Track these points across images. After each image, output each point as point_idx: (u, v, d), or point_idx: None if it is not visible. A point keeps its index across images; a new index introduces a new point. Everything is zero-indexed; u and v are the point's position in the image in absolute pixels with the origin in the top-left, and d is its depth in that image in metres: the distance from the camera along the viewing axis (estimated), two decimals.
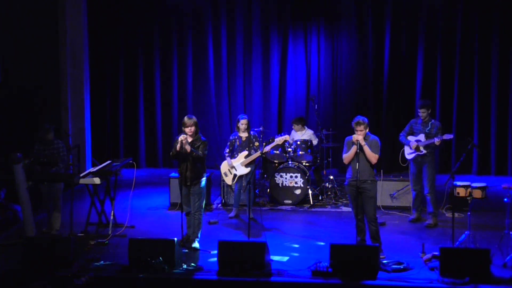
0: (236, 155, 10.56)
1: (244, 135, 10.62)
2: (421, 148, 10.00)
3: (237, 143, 10.61)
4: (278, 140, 10.59)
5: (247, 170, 10.46)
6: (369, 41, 13.85)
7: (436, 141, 9.82)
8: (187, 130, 8.86)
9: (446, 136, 9.86)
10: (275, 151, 11.48)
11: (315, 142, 11.83)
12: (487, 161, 13.61)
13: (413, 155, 10.13)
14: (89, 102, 13.88)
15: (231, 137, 10.71)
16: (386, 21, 13.75)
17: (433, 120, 10.16)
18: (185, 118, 8.95)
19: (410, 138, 10.17)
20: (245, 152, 10.50)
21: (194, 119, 8.94)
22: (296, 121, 12.05)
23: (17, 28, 12.88)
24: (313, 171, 11.86)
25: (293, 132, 12.07)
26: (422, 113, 10.07)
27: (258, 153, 10.37)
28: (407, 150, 10.22)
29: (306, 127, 12.07)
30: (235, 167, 10.51)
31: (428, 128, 10.05)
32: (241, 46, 14.31)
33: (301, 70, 14.25)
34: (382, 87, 13.90)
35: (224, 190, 11.35)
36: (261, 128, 11.80)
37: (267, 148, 10.55)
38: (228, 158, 10.58)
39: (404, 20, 13.77)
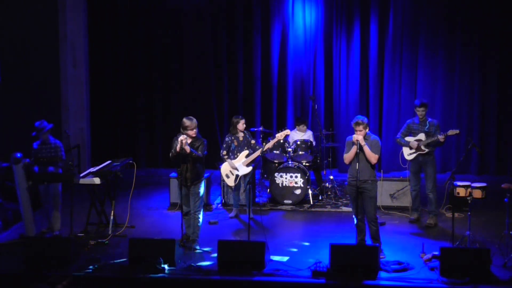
0: (234, 156, 10.55)
1: (240, 135, 10.61)
2: (423, 147, 10.00)
3: (234, 143, 10.59)
4: (279, 135, 10.49)
5: (249, 169, 10.45)
6: (369, 41, 13.83)
7: (441, 137, 9.81)
8: (191, 133, 8.79)
9: (451, 132, 9.85)
10: (275, 151, 11.47)
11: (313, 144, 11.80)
12: (487, 161, 13.60)
13: (413, 155, 10.11)
14: (89, 102, 13.86)
15: (226, 139, 10.67)
16: (388, 22, 13.74)
17: (430, 119, 10.16)
18: (186, 120, 8.85)
19: (408, 138, 10.16)
20: (246, 152, 10.49)
21: (195, 120, 8.91)
22: (300, 122, 11.99)
23: (17, 28, 12.87)
24: (313, 171, 11.85)
25: (293, 132, 12.06)
26: (421, 112, 10.06)
27: (259, 151, 10.35)
28: (406, 151, 10.21)
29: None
30: (237, 167, 10.49)
31: (427, 127, 10.05)
32: (241, 45, 14.27)
33: (302, 70, 14.24)
34: (381, 86, 13.89)
35: (224, 190, 11.35)
36: (260, 128, 11.78)
37: (269, 145, 10.47)
38: (228, 160, 10.56)
39: (405, 20, 13.75)
